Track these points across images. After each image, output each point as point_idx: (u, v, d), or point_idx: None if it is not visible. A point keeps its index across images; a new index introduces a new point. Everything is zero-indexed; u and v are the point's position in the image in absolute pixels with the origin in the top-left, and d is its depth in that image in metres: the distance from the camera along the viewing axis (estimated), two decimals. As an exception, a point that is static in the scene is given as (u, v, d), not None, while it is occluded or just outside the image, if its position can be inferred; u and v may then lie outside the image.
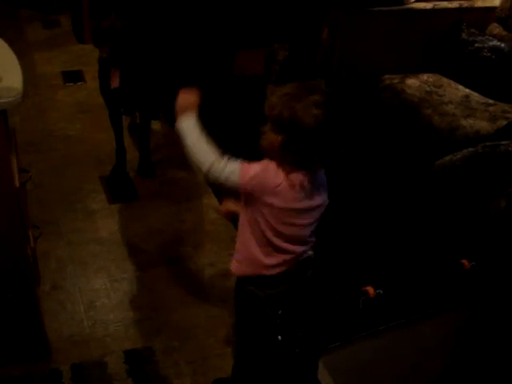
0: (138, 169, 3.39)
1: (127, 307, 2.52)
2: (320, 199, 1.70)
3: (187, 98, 1.69)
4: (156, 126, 3.78)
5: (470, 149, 2.68)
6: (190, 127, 1.64)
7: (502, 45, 3.41)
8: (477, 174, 2.63)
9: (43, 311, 2.28)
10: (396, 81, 3.48)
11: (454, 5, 3.70)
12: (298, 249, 1.76)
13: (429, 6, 3.64)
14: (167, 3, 4.53)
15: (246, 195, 1.67)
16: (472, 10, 3.72)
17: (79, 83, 4.36)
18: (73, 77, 4.44)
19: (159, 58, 3.29)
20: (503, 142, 2.64)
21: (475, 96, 3.36)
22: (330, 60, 3.43)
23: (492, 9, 3.70)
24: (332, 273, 2.57)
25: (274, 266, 1.75)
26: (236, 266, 1.83)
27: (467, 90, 3.42)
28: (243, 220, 1.75)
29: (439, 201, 2.81)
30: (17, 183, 1.92)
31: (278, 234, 1.70)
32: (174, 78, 4.28)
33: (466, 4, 3.72)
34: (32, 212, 2.75)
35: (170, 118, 3.93)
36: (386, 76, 3.55)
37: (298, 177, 1.61)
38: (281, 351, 1.75)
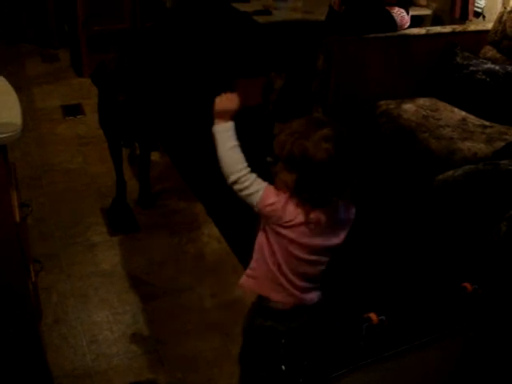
0: (139, 200, 3.40)
1: (130, 340, 2.50)
2: (336, 240, 1.68)
3: (226, 103, 1.68)
4: (155, 157, 3.80)
5: (471, 166, 2.67)
6: (225, 135, 1.64)
7: (496, 67, 3.44)
8: (478, 189, 2.62)
9: (45, 346, 2.27)
10: (392, 106, 3.50)
11: (448, 29, 3.76)
12: (305, 285, 1.73)
13: (423, 31, 3.69)
14: (166, 34, 4.59)
15: (262, 217, 1.66)
16: (465, 34, 3.77)
17: (79, 116, 4.40)
18: (72, 110, 4.48)
19: (159, 88, 3.32)
20: (503, 162, 2.64)
21: (472, 119, 3.38)
22: (326, 87, 3.46)
23: (485, 32, 3.74)
24: (334, 300, 2.55)
25: (280, 293, 1.72)
26: (247, 281, 1.76)
27: (463, 113, 3.45)
28: (260, 238, 1.71)
29: (440, 222, 2.81)
30: (17, 218, 1.92)
31: (288, 265, 1.67)
32: (173, 108, 4.32)
33: (459, 28, 3.78)
34: (33, 246, 2.75)
35: (169, 149, 3.95)
36: (382, 102, 3.57)
37: (315, 215, 1.59)
38: (285, 381, 1.74)
